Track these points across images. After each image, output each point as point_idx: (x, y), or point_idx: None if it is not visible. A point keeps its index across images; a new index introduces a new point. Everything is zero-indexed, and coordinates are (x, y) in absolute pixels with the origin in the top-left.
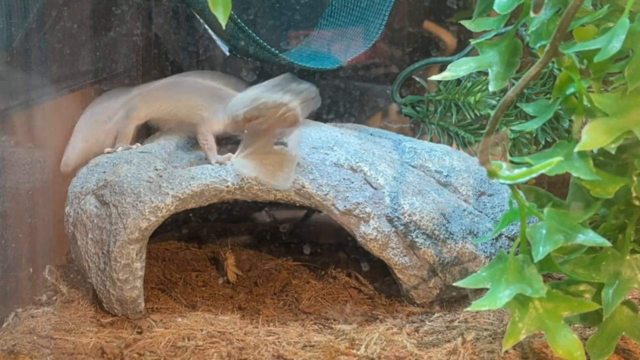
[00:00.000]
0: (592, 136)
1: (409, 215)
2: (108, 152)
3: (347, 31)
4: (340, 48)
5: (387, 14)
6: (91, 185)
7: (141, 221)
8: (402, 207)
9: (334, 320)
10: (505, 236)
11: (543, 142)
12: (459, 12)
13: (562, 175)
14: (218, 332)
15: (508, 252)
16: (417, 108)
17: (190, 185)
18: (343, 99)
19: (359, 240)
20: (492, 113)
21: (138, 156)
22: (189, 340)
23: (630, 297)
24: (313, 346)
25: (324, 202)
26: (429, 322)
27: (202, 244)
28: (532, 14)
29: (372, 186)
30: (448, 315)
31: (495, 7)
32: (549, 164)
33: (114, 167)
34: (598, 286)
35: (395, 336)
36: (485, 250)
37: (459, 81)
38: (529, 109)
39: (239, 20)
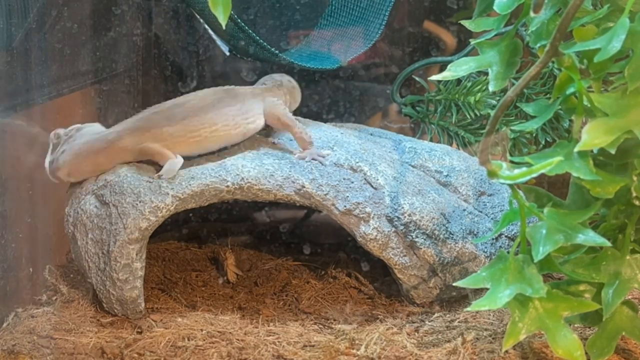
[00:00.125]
0: (592, 136)
1: (409, 215)
2: None
3: (347, 31)
4: (340, 48)
5: (387, 13)
6: (91, 185)
7: (141, 221)
8: (402, 207)
9: (334, 320)
10: (505, 236)
11: (543, 142)
12: (459, 12)
13: (562, 175)
14: (218, 332)
15: (508, 252)
16: (417, 108)
17: (190, 185)
18: (343, 99)
19: (359, 240)
20: (492, 113)
21: None
22: (189, 340)
23: (630, 297)
24: (313, 346)
25: (324, 202)
26: (429, 322)
27: (202, 244)
28: (532, 14)
29: (372, 186)
30: (448, 315)
31: (495, 7)
32: (549, 164)
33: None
34: (598, 286)
35: (395, 336)
36: (485, 250)
37: (459, 81)
38: (529, 108)
39: (239, 20)
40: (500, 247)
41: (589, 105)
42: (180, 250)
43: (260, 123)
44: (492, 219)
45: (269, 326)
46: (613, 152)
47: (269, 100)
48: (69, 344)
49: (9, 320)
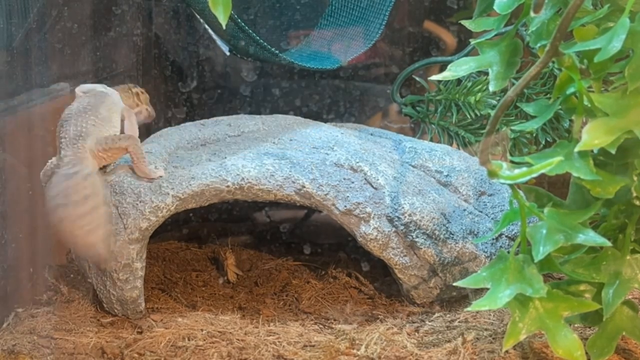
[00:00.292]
0: (593, 136)
1: (409, 215)
2: None
3: (347, 31)
4: (340, 48)
5: (387, 13)
6: None
7: (141, 221)
8: (403, 207)
9: (334, 320)
10: (506, 236)
11: (543, 142)
12: (459, 12)
13: (562, 175)
14: (218, 332)
15: (508, 252)
16: (417, 108)
17: (190, 185)
18: (343, 99)
19: (359, 240)
20: (493, 113)
21: None
22: (189, 340)
23: (630, 297)
24: (313, 346)
25: (324, 202)
26: (429, 322)
27: (202, 243)
28: (532, 14)
29: (372, 186)
30: (448, 315)
31: (495, 7)
32: (549, 164)
33: (113, 167)
34: (598, 286)
35: (395, 336)
36: (486, 250)
37: (459, 81)
38: (529, 108)
39: (239, 20)
40: (501, 247)
41: (589, 105)
42: (181, 250)
43: None
44: (492, 219)
45: (269, 326)
46: (613, 152)
47: None
48: (69, 344)
49: (9, 320)
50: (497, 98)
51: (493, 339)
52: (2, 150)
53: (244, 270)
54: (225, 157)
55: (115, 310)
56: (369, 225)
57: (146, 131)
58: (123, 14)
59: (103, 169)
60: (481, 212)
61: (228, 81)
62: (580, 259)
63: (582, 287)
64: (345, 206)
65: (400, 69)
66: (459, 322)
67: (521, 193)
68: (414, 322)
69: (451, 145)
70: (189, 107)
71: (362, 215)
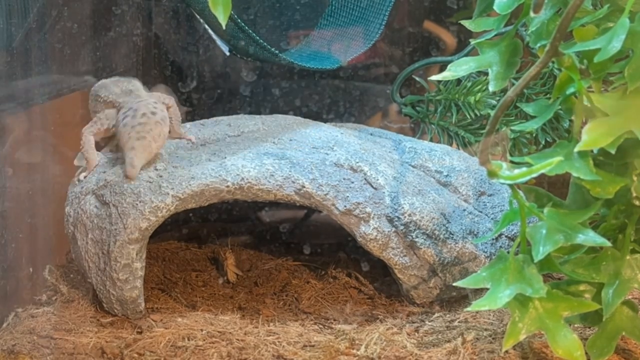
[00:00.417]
0: (592, 136)
1: (409, 215)
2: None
3: (347, 31)
4: (340, 48)
5: (387, 13)
6: (91, 185)
7: (141, 221)
8: (402, 207)
9: (334, 320)
10: (505, 236)
11: (543, 142)
12: (459, 12)
13: (562, 175)
14: (218, 332)
15: (508, 252)
16: (417, 108)
17: (190, 185)
18: (343, 99)
19: (359, 240)
20: (492, 113)
21: None
22: (189, 340)
23: (630, 297)
24: (313, 346)
25: (324, 202)
26: (429, 322)
27: (202, 243)
28: (532, 14)
29: (372, 186)
30: (448, 315)
31: (495, 7)
32: (549, 164)
33: (113, 167)
34: (598, 286)
35: (395, 336)
36: (485, 250)
37: (459, 81)
38: (529, 109)
39: (239, 20)
40: (500, 247)
41: (589, 105)
42: (180, 250)
43: None
44: (492, 219)
45: (269, 326)
46: (613, 152)
47: None
48: (69, 344)
49: (9, 320)
50: (497, 98)
51: (493, 339)
52: (2, 150)
53: (244, 270)
54: (225, 157)
55: (115, 310)
56: (368, 225)
57: None
58: (123, 14)
59: None
60: (481, 212)
61: (228, 81)
62: (580, 259)
63: (581, 287)
64: (345, 206)
65: (400, 69)
66: (458, 322)
67: (521, 193)
68: (413, 322)
69: (451, 145)
70: (188, 107)
71: (361, 215)
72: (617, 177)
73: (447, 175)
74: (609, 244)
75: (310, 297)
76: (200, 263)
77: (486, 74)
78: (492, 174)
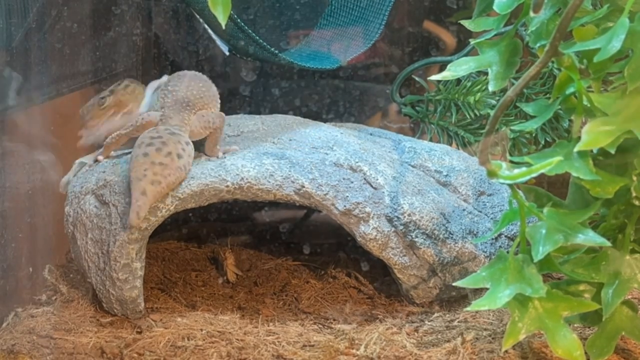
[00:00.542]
0: (592, 136)
1: (409, 215)
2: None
3: (347, 31)
4: (340, 48)
5: (387, 13)
6: (91, 185)
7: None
8: (402, 207)
9: (334, 320)
10: (505, 236)
11: (543, 142)
12: (459, 12)
13: (562, 175)
14: (218, 331)
15: (508, 252)
16: (417, 108)
17: (189, 185)
18: (343, 98)
19: (358, 240)
20: (492, 113)
21: None
22: (188, 340)
23: (630, 297)
24: (313, 346)
25: (323, 202)
26: (429, 321)
27: (202, 243)
28: (531, 14)
29: (371, 186)
30: (448, 315)
31: (495, 7)
32: (548, 164)
33: (113, 166)
34: (598, 286)
35: (394, 336)
36: (485, 250)
37: (458, 81)
38: (528, 108)
39: (239, 20)
40: (500, 247)
41: (588, 105)
42: (180, 250)
43: None
44: (491, 218)
45: (268, 326)
46: (613, 152)
47: None
48: (69, 343)
49: (8, 320)
50: (497, 98)
51: (492, 338)
52: (1, 150)
53: (244, 270)
54: (225, 157)
55: (115, 310)
56: (368, 225)
57: None
58: (123, 13)
59: None
60: (480, 212)
61: (228, 81)
62: (580, 258)
63: (581, 287)
64: (345, 206)
65: (399, 69)
66: (458, 322)
67: (520, 193)
68: (413, 322)
69: (451, 145)
70: None
71: (361, 215)
72: (616, 177)
73: (446, 175)
74: (608, 243)
75: (310, 297)
76: (200, 263)
77: (486, 73)
78: (491, 174)
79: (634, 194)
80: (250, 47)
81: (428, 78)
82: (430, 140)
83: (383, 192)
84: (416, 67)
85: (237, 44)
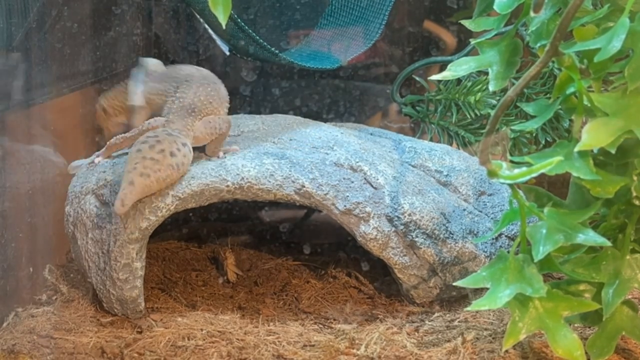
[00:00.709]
0: (592, 136)
1: (409, 215)
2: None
3: (347, 31)
4: (340, 48)
5: (387, 13)
6: (91, 185)
7: (141, 221)
8: (402, 207)
9: (334, 319)
10: (505, 236)
11: (543, 142)
12: (459, 11)
13: (562, 175)
14: (218, 331)
15: (508, 252)
16: (417, 108)
17: (190, 184)
18: (343, 98)
19: (358, 240)
20: (492, 113)
21: None
22: (189, 339)
23: (630, 296)
24: (313, 346)
25: (324, 202)
26: (429, 321)
27: (202, 243)
28: (532, 14)
29: (372, 186)
30: (448, 315)
31: (495, 7)
32: (549, 164)
33: (113, 166)
34: (598, 286)
35: (395, 336)
36: (485, 249)
37: (459, 81)
38: (529, 108)
39: (239, 20)
40: (500, 246)
41: (589, 105)
42: (180, 250)
43: None
44: (492, 218)
45: (269, 326)
46: (613, 152)
47: None
48: (69, 343)
49: (9, 319)
50: (497, 98)
51: (493, 338)
52: (2, 149)
53: (244, 270)
54: (225, 157)
55: (115, 310)
56: (368, 225)
57: None
58: (123, 13)
59: None
60: (481, 211)
61: (228, 81)
62: (580, 258)
63: (581, 287)
64: (345, 206)
65: (400, 68)
66: (458, 321)
67: (521, 193)
68: (413, 322)
69: (451, 145)
70: None
71: (361, 215)
72: (617, 177)
73: (447, 175)
74: (609, 243)
75: (310, 296)
76: (200, 263)
77: (486, 73)
78: (492, 174)
79: (634, 194)
80: (251, 47)
81: (428, 78)
82: (431, 140)
83: (383, 192)
84: (416, 67)
85: (237, 44)
